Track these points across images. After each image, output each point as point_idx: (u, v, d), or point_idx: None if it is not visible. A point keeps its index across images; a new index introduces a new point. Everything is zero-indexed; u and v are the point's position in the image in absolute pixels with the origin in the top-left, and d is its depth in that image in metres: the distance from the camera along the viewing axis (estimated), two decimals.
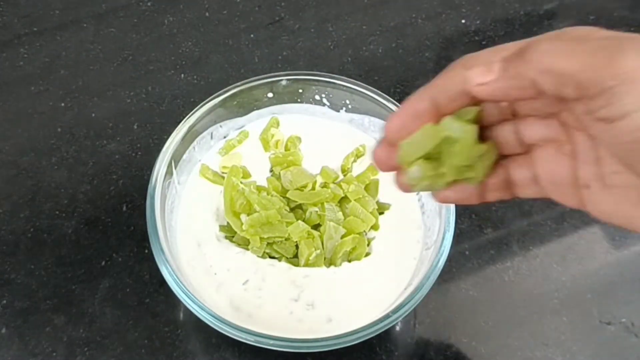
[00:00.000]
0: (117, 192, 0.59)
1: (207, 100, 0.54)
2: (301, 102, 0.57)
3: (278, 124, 0.57)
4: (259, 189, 0.53)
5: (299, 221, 0.51)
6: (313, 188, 0.53)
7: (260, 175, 0.55)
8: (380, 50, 0.68)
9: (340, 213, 0.52)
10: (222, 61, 0.67)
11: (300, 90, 0.56)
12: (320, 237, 0.51)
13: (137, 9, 0.70)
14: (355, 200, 0.52)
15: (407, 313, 0.45)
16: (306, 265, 0.50)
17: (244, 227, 0.50)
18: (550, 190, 0.35)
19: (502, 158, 0.36)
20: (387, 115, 0.55)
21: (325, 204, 0.52)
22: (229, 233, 0.52)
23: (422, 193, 0.53)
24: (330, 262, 0.51)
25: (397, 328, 0.54)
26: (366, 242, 0.51)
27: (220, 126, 0.55)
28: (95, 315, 0.53)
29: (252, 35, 0.69)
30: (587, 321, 0.54)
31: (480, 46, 0.69)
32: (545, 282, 0.55)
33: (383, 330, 0.45)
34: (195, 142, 0.54)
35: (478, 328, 0.53)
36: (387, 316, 0.45)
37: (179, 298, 0.46)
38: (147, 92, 0.65)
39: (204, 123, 0.54)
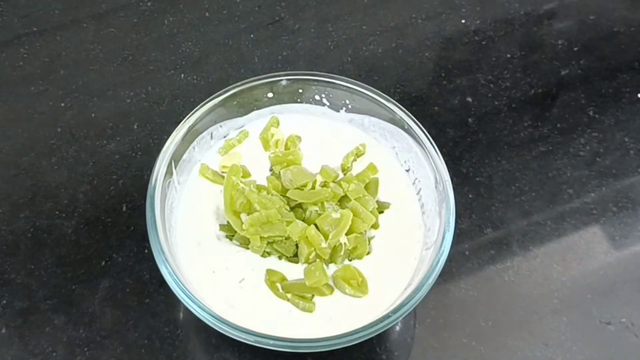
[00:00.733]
0: (117, 192, 0.59)
1: (207, 100, 0.54)
2: (301, 102, 0.57)
3: (278, 124, 0.57)
4: (259, 188, 0.52)
5: (297, 220, 0.51)
6: (313, 187, 0.53)
7: (260, 174, 0.55)
8: (380, 50, 0.68)
9: (340, 212, 0.52)
10: (222, 61, 0.67)
11: (300, 90, 0.56)
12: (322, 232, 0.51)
13: (137, 9, 0.70)
14: (355, 199, 0.52)
15: (407, 313, 0.45)
16: (306, 263, 0.50)
17: (244, 227, 0.50)
18: None
19: None
20: (387, 115, 0.55)
21: (325, 203, 0.52)
22: (229, 232, 0.52)
23: (422, 193, 0.54)
24: (330, 261, 0.51)
25: (397, 328, 0.54)
26: (367, 242, 0.51)
27: (220, 126, 0.55)
28: (95, 315, 0.53)
29: (252, 35, 0.69)
30: (587, 321, 0.54)
31: (480, 46, 0.69)
32: (545, 282, 0.56)
33: (383, 330, 0.45)
34: (195, 142, 0.54)
35: (478, 328, 0.53)
36: (387, 316, 0.45)
37: (178, 298, 0.46)
38: (147, 92, 0.65)
39: (204, 123, 0.54)
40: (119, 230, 0.57)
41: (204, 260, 0.50)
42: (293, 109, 0.57)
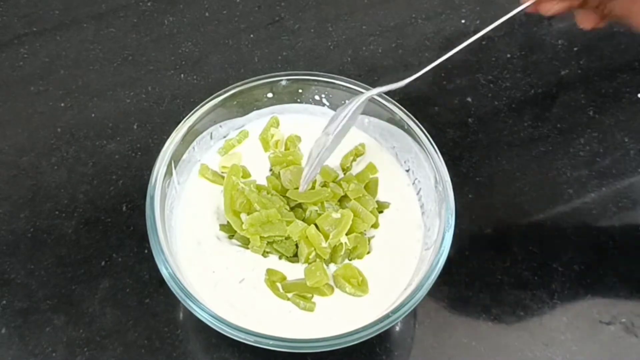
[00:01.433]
0: (117, 192, 0.59)
1: (207, 100, 0.54)
2: (301, 102, 0.57)
3: (278, 124, 0.57)
4: (259, 188, 0.52)
5: (297, 220, 0.51)
6: (313, 187, 0.53)
7: (260, 174, 0.55)
8: (380, 50, 0.68)
9: (341, 212, 0.52)
10: (222, 61, 0.67)
11: (300, 91, 0.56)
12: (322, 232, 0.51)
13: (137, 9, 0.70)
14: (355, 199, 0.52)
15: (407, 313, 0.45)
16: (306, 263, 0.50)
17: (244, 227, 0.50)
18: None
19: None
20: (387, 115, 0.55)
21: (325, 203, 0.52)
22: (229, 232, 0.52)
23: (422, 193, 0.54)
24: (330, 261, 0.51)
25: (397, 328, 0.54)
26: (367, 242, 0.51)
27: (220, 126, 0.55)
28: (95, 315, 0.53)
29: (252, 35, 0.69)
30: (587, 321, 0.54)
31: (480, 46, 0.69)
32: (545, 282, 0.55)
33: (383, 330, 0.45)
34: (195, 142, 0.54)
35: (478, 328, 0.53)
36: (387, 316, 0.45)
37: (178, 298, 0.46)
38: (147, 92, 0.65)
39: (204, 123, 0.54)
40: (119, 230, 0.57)
41: (204, 260, 0.50)
42: (293, 109, 0.57)
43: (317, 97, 0.57)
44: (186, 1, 0.71)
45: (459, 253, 0.56)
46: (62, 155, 0.61)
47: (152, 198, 0.49)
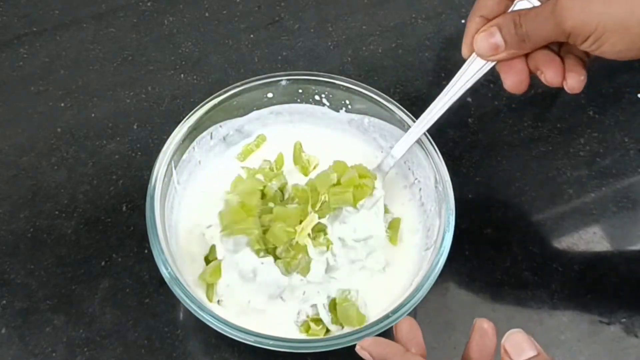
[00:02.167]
0: (117, 192, 0.59)
1: (207, 100, 0.54)
2: (301, 102, 0.57)
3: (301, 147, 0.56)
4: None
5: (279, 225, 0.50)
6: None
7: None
8: (380, 50, 0.68)
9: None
10: (222, 61, 0.67)
11: (300, 91, 0.56)
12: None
13: (137, 9, 0.70)
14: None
15: (407, 313, 0.45)
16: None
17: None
18: None
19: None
20: (386, 115, 0.55)
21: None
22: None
23: (422, 193, 0.54)
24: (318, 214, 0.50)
25: None
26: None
27: (220, 126, 0.55)
28: (95, 315, 0.53)
29: (252, 35, 0.69)
30: (587, 321, 0.54)
31: None
32: (545, 282, 0.55)
33: (383, 330, 0.45)
34: (195, 143, 0.54)
35: None
36: (387, 316, 0.45)
37: (178, 298, 0.46)
38: (147, 92, 0.65)
39: (204, 123, 0.54)
40: (119, 230, 0.57)
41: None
42: (293, 109, 0.57)
43: (317, 97, 0.57)
44: (186, 1, 0.71)
45: (459, 253, 0.56)
46: (62, 155, 0.61)
47: (152, 198, 0.49)
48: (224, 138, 0.56)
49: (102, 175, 0.60)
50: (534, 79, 0.49)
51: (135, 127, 0.62)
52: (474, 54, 0.49)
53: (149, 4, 0.71)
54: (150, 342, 0.52)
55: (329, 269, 0.50)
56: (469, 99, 0.65)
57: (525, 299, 0.55)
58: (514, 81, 0.48)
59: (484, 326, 0.41)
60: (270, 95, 0.56)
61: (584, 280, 0.56)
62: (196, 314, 0.45)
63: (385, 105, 0.54)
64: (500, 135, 0.64)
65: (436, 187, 0.51)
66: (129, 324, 0.53)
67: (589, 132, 0.64)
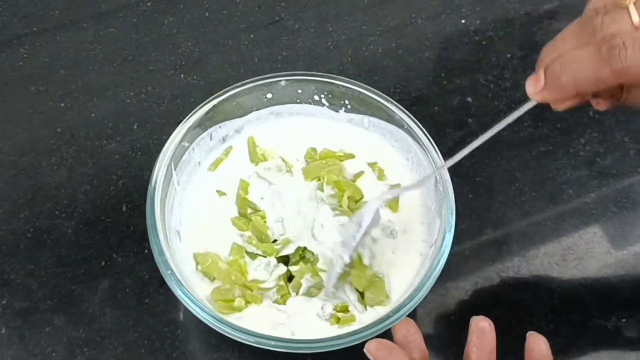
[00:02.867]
0: (117, 192, 0.59)
1: (206, 101, 0.54)
2: (300, 102, 0.57)
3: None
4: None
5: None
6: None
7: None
8: (380, 50, 0.68)
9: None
10: (222, 61, 0.67)
11: (300, 91, 0.56)
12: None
13: (137, 9, 0.70)
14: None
15: (407, 313, 0.45)
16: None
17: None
18: None
19: None
20: (387, 115, 0.55)
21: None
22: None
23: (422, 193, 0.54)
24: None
25: None
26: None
27: (220, 127, 0.55)
28: (95, 316, 0.53)
29: (251, 35, 0.69)
30: (587, 321, 0.54)
31: (480, 46, 0.69)
32: (545, 282, 0.55)
33: (383, 330, 0.45)
34: (194, 143, 0.54)
35: None
36: (387, 316, 0.45)
37: (179, 299, 0.46)
38: (147, 92, 0.65)
39: (204, 124, 0.54)
40: (119, 230, 0.57)
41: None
42: (292, 110, 0.57)
43: (316, 98, 0.57)
44: (186, 1, 0.71)
45: (459, 253, 0.56)
46: (62, 155, 0.61)
47: (152, 198, 0.49)
48: (223, 139, 0.56)
49: (102, 175, 0.60)
50: None
51: (135, 127, 0.62)
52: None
53: (149, 4, 0.71)
54: (150, 342, 0.52)
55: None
56: (469, 99, 0.65)
57: (525, 299, 0.55)
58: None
59: (480, 325, 0.41)
60: (269, 95, 0.56)
61: (584, 280, 0.56)
62: (196, 314, 0.45)
63: (385, 105, 0.54)
64: (500, 135, 0.63)
65: (436, 186, 0.51)
66: (129, 324, 0.53)
67: (589, 132, 0.64)
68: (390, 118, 0.55)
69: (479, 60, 0.68)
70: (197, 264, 0.50)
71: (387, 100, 0.54)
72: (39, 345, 0.52)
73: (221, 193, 0.54)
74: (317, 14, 0.70)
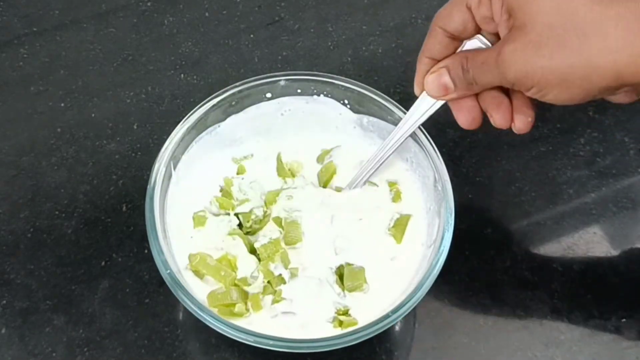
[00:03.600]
0: (117, 192, 0.59)
1: (206, 100, 0.54)
2: None
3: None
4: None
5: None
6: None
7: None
8: (380, 50, 0.68)
9: None
10: (222, 61, 0.67)
11: (299, 91, 0.56)
12: None
13: (137, 9, 0.70)
14: None
15: (407, 313, 0.45)
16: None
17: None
18: None
19: None
20: (386, 115, 0.55)
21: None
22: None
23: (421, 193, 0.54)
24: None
25: (397, 328, 0.54)
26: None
27: (219, 126, 0.55)
28: (95, 316, 0.53)
29: (252, 35, 0.69)
30: (587, 321, 0.54)
31: None
32: (545, 282, 0.55)
33: (383, 330, 0.45)
34: (194, 143, 0.54)
35: (478, 328, 0.53)
36: (387, 316, 0.45)
37: (178, 299, 0.46)
38: (147, 92, 0.65)
39: (204, 123, 0.54)
40: (119, 230, 0.57)
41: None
42: None
43: (316, 97, 0.56)
44: (186, 1, 0.71)
45: (459, 253, 0.56)
46: (62, 155, 0.61)
47: (152, 199, 0.49)
48: (223, 139, 0.56)
49: (102, 175, 0.60)
50: None
51: (135, 127, 0.62)
52: (424, 92, 0.49)
53: (149, 4, 0.71)
54: (150, 342, 0.52)
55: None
56: None
57: (525, 299, 0.55)
58: (467, 119, 0.49)
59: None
60: (269, 95, 0.56)
61: (584, 280, 0.56)
62: (196, 314, 0.45)
63: (385, 106, 0.54)
64: (500, 135, 0.63)
65: (435, 186, 0.51)
66: (129, 324, 0.53)
67: (589, 132, 0.64)
68: (390, 118, 0.55)
69: None
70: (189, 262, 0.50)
71: (387, 100, 0.54)
72: (39, 345, 0.52)
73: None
74: (317, 14, 0.70)
